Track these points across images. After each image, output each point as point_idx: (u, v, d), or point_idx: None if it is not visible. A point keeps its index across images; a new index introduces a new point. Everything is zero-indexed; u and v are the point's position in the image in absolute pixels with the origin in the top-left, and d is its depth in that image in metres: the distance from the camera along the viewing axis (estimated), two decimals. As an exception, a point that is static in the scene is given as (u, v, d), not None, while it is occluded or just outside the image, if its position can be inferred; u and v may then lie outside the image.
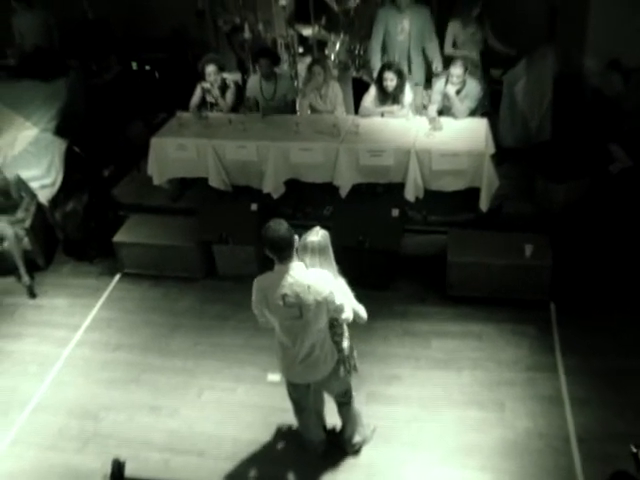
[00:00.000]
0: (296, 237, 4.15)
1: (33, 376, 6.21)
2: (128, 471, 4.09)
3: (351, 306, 4.42)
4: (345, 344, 4.63)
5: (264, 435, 5.35)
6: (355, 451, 5.13)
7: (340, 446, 5.13)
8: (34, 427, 5.69)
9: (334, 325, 4.48)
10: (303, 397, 4.73)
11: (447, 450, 5.06)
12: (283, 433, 5.34)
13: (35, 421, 5.75)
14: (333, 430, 5.25)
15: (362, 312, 4.56)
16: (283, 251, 4.07)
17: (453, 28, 7.84)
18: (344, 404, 4.94)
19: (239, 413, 5.59)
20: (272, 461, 5.10)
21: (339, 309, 4.26)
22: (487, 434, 5.16)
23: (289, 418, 5.18)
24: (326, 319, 4.31)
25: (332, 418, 5.17)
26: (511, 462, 4.92)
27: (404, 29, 7.83)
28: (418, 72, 8.10)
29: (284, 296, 4.10)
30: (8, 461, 5.39)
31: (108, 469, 4.07)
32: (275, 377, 5.80)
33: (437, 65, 7.88)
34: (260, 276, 4.28)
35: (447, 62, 7.56)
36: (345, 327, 4.60)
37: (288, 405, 5.03)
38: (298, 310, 4.12)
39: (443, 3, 8.30)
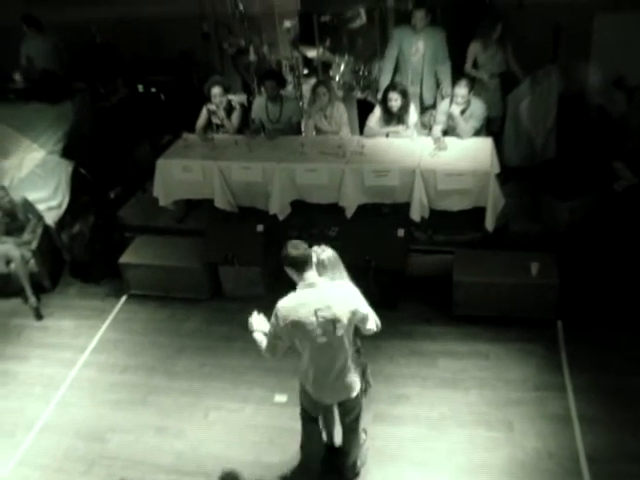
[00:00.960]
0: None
1: (39, 397, 6.21)
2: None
3: (374, 316, 4.41)
4: (362, 359, 4.67)
5: (271, 456, 5.33)
6: (355, 475, 5.09)
7: (340, 470, 5.07)
8: (40, 448, 5.68)
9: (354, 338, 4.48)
10: (315, 415, 4.75)
11: (455, 470, 5.03)
12: (290, 454, 5.30)
13: (41, 442, 5.74)
14: (334, 452, 5.19)
15: (378, 322, 4.50)
16: (305, 265, 4.12)
17: (474, 48, 7.84)
18: (353, 430, 4.86)
19: (246, 434, 5.57)
20: (279, 483, 5.08)
21: (366, 319, 4.29)
22: (496, 454, 5.12)
23: (296, 439, 5.16)
24: (352, 331, 4.32)
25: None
26: (520, 482, 4.89)
27: (418, 50, 7.86)
28: (429, 93, 8.12)
29: (317, 311, 4.08)
30: (15, 483, 5.38)
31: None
32: (282, 398, 5.81)
33: (446, 89, 7.86)
34: (282, 301, 4.21)
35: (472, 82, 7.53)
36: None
37: (295, 426, 5.03)
38: (331, 324, 4.11)
39: (461, 24, 8.32)
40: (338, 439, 5.12)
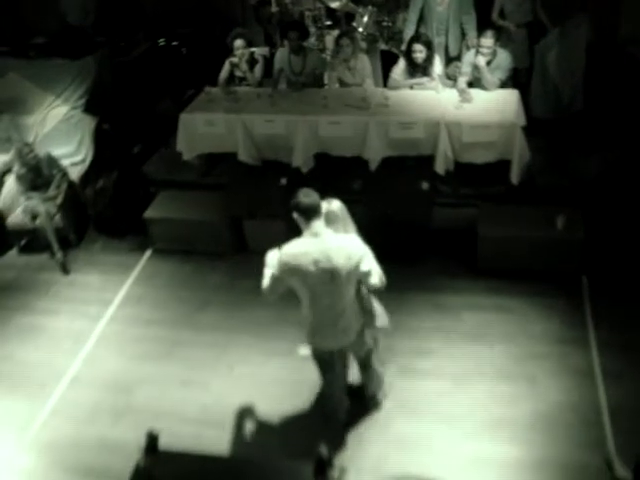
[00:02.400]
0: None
1: (68, 351, 6.31)
2: (161, 444, 4.14)
3: (378, 272, 4.42)
4: (374, 305, 4.76)
5: (295, 408, 5.38)
6: (376, 404, 5.23)
7: (362, 402, 5.21)
8: (70, 400, 5.79)
9: (360, 290, 4.53)
10: (329, 362, 4.76)
11: (478, 423, 5.06)
12: (314, 407, 5.37)
13: (71, 395, 5.85)
14: (356, 390, 5.26)
15: (383, 277, 4.50)
16: (315, 213, 4.16)
17: None
18: (366, 366, 4.98)
19: (270, 387, 5.62)
20: (302, 434, 5.11)
21: (368, 274, 4.30)
22: (518, 408, 5.14)
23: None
24: (355, 284, 4.37)
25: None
26: (542, 435, 4.90)
27: (444, 0, 7.72)
28: (454, 44, 7.98)
29: (316, 261, 4.13)
30: (47, 432, 5.51)
31: (142, 442, 4.12)
32: (306, 351, 5.83)
33: (472, 39, 7.72)
34: (286, 246, 4.26)
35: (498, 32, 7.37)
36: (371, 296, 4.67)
37: (318, 378, 5.08)
38: (329, 274, 4.16)
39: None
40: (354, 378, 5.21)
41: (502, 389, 5.31)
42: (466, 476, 4.64)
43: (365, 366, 5.00)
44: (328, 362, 4.75)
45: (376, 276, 4.36)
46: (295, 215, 4.22)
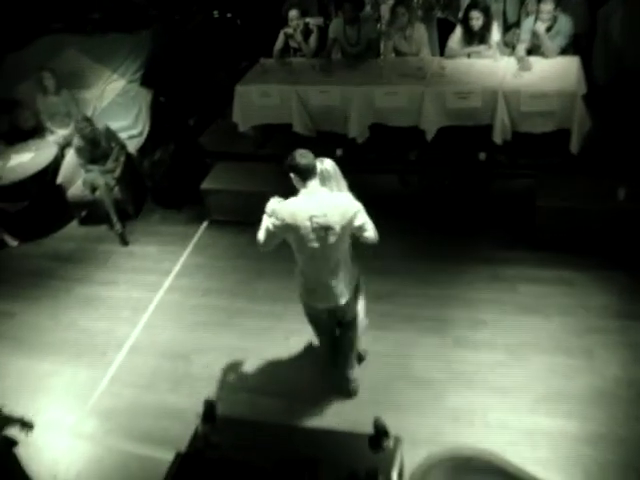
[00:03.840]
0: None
1: (127, 320, 6.46)
2: (218, 411, 4.22)
3: (372, 226, 4.49)
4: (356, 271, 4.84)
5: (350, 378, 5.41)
6: (352, 392, 5.24)
7: (341, 386, 5.26)
8: (130, 368, 5.94)
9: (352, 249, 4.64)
10: (324, 322, 4.97)
11: (533, 397, 5.00)
12: (370, 377, 5.37)
13: (130, 362, 5.99)
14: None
15: (376, 234, 4.55)
16: (310, 173, 4.32)
17: None
18: (345, 345, 5.08)
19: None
20: (356, 404, 5.16)
21: (362, 228, 4.41)
22: (575, 381, 5.06)
23: (375, 360, 5.35)
24: (349, 240, 4.51)
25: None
26: (599, 410, 4.82)
27: None
28: (513, 10, 7.81)
29: (312, 217, 4.27)
30: (107, 398, 5.67)
31: (200, 409, 4.20)
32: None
33: (531, 5, 7.50)
34: (283, 203, 4.40)
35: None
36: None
37: (376, 349, 5.20)
38: (324, 231, 4.30)
39: None
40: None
41: (559, 362, 5.24)
42: (520, 449, 4.59)
43: (342, 345, 5.09)
44: (320, 321, 4.97)
45: (371, 230, 4.46)
46: (292, 175, 4.36)
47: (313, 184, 4.35)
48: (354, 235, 4.48)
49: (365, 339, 5.37)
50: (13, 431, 4.41)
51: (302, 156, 4.32)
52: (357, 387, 5.26)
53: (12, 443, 4.36)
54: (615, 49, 7.23)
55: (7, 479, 4.32)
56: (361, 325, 5.05)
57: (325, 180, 4.48)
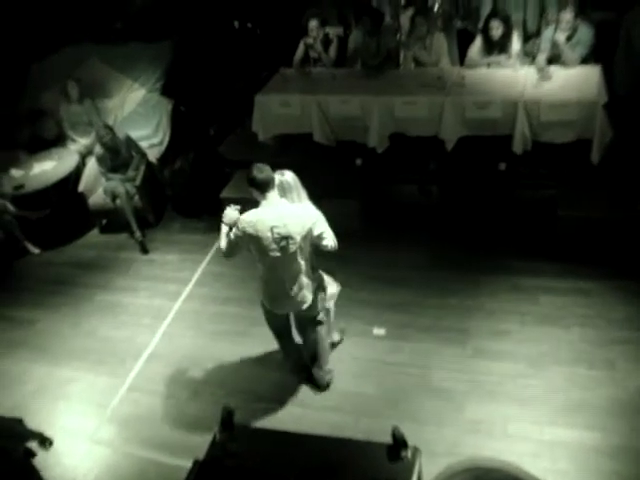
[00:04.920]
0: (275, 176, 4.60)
1: (147, 328, 6.50)
2: (237, 419, 4.22)
3: (331, 235, 4.71)
4: (323, 278, 5.15)
5: (368, 387, 5.41)
6: (323, 384, 5.42)
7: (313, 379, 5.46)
8: (148, 375, 5.96)
9: (312, 258, 4.86)
10: (282, 326, 5.25)
11: (554, 408, 4.96)
12: (386, 386, 5.38)
13: (149, 370, 6.02)
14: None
15: (335, 240, 4.76)
16: (268, 186, 4.51)
17: None
18: (309, 342, 5.30)
19: (344, 366, 5.64)
20: (375, 414, 5.14)
21: (321, 237, 4.63)
22: (596, 393, 5.02)
23: (395, 370, 5.34)
24: (309, 249, 4.72)
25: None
26: (621, 422, 4.77)
27: None
28: (533, 20, 7.77)
29: (272, 228, 4.47)
30: (126, 405, 5.69)
31: (218, 417, 4.21)
32: (380, 331, 5.86)
33: (551, 14, 7.49)
34: (245, 215, 4.60)
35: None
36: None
37: (394, 359, 5.18)
38: (285, 241, 4.50)
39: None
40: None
41: (579, 373, 5.20)
42: (541, 461, 4.56)
43: (307, 342, 5.34)
44: (279, 324, 5.22)
45: (330, 239, 4.68)
46: (251, 189, 4.55)
47: (272, 196, 4.55)
48: (314, 244, 4.70)
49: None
50: (33, 445, 4.45)
51: (259, 171, 4.50)
52: (331, 379, 5.46)
53: (31, 454, 4.40)
54: (637, 57, 7.18)
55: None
56: (329, 314, 5.36)
57: (286, 191, 4.71)
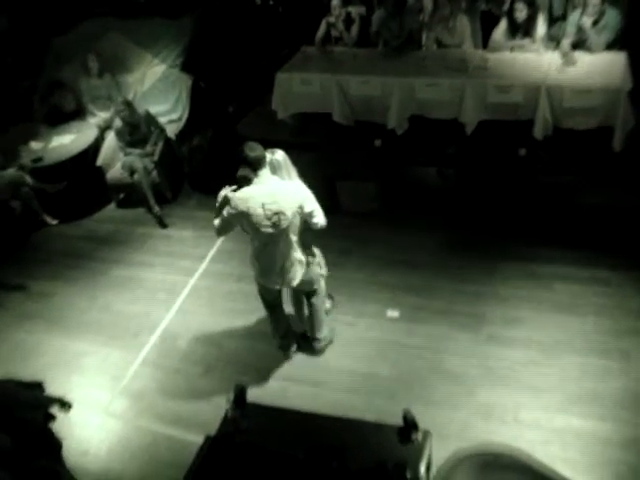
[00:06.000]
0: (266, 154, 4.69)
1: (162, 303, 6.52)
2: (248, 396, 4.24)
3: (321, 212, 4.85)
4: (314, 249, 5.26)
5: (381, 369, 5.41)
6: (319, 351, 5.57)
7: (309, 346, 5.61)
8: (162, 350, 6.00)
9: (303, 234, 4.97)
10: (275, 298, 5.37)
11: (566, 397, 4.94)
12: (401, 368, 5.38)
13: (163, 345, 6.06)
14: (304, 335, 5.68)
15: (324, 220, 4.92)
16: (260, 164, 4.61)
17: None
18: (310, 308, 5.43)
19: (358, 347, 5.65)
20: (387, 396, 5.14)
21: (313, 214, 4.78)
22: (609, 383, 4.98)
23: (408, 353, 5.34)
24: (299, 226, 4.83)
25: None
26: (633, 414, 4.73)
27: None
28: (559, 3, 7.65)
29: (264, 204, 4.58)
30: (139, 380, 5.74)
31: (230, 393, 4.23)
32: (394, 313, 5.85)
33: None
34: (237, 192, 4.70)
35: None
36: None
37: (408, 342, 5.21)
38: (276, 216, 4.61)
39: None
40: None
41: (593, 363, 5.17)
42: (551, 449, 4.55)
43: (309, 307, 5.44)
44: (272, 297, 5.33)
45: (320, 216, 4.85)
46: (243, 167, 4.66)
47: (264, 173, 4.65)
48: (305, 221, 4.82)
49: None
50: (52, 409, 4.50)
51: (251, 149, 4.59)
52: (325, 346, 5.62)
53: (51, 417, 4.46)
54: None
55: (43, 452, 4.40)
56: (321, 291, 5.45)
57: (276, 170, 4.79)
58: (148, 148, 7.81)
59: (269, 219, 4.62)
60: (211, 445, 4.06)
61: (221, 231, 4.95)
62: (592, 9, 6.67)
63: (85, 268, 7.21)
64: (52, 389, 4.79)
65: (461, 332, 5.60)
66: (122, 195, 8.20)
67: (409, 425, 3.89)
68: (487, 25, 7.92)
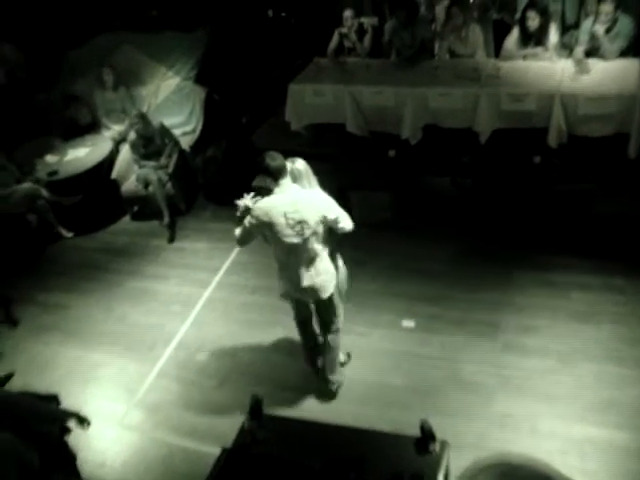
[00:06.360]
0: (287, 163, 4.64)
1: (177, 315, 6.54)
2: (265, 408, 4.23)
3: (346, 216, 4.75)
4: (339, 264, 5.14)
5: (396, 380, 5.39)
6: (333, 393, 5.34)
7: (321, 385, 5.39)
8: (177, 362, 6.01)
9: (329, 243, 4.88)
10: (306, 314, 5.24)
11: (583, 405, 4.91)
12: (415, 379, 5.36)
13: (178, 357, 6.07)
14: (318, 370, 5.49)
15: (351, 223, 4.80)
16: (281, 173, 4.56)
17: None
18: (329, 331, 5.21)
19: (372, 357, 5.64)
20: (402, 406, 5.13)
21: (338, 220, 4.67)
22: (626, 392, 4.95)
23: (422, 363, 5.35)
24: (324, 235, 4.74)
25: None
26: (651, 423, 4.72)
27: None
28: (572, 11, 7.65)
29: (286, 213, 4.52)
30: (154, 391, 5.75)
31: (246, 405, 4.22)
32: (409, 323, 5.84)
33: (591, 5, 7.34)
34: (259, 202, 4.65)
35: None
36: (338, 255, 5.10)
37: (423, 351, 5.21)
38: (300, 226, 4.55)
39: None
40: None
41: (610, 371, 5.13)
42: (569, 459, 4.52)
43: (326, 329, 5.23)
44: (304, 317, 5.25)
45: (345, 221, 4.73)
46: (264, 177, 4.62)
47: (285, 183, 4.58)
48: (331, 229, 4.73)
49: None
50: (69, 423, 4.51)
51: (272, 159, 4.54)
52: (337, 389, 5.38)
53: (66, 431, 4.47)
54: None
55: (59, 465, 4.42)
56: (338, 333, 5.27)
57: (296, 179, 4.73)
58: (162, 160, 7.85)
59: (292, 228, 4.56)
60: (228, 457, 4.05)
61: (242, 241, 4.88)
62: (605, 17, 6.65)
63: (100, 280, 7.24)
64: (68, 401, 4.82)
65: (477, 341, 5.58)
66: (137, 207, 8.23)
67: (426, 435, 3.87)
68: (499, 34, 7.92)
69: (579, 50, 6.94)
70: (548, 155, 6.83)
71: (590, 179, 6.54)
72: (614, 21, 6.71)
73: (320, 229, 4.67)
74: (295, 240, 4.60)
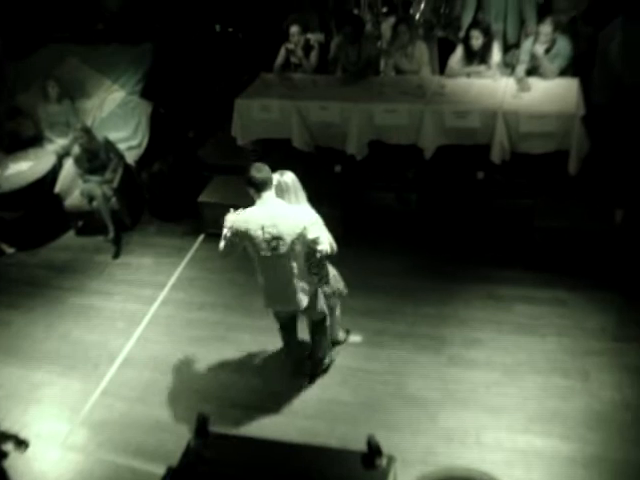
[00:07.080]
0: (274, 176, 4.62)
1: (121, 332, 6.43)
2: (211, 426, 4.19)
3: (329, 239, 4.67)
4: (329, 273, 5.16)
5: (344, 395, 5.40)
6: (320, 371, 5.52)
7: (309, 370, 5.55)
8: (122, 380, 5.91)
9: (311, 258, 4.81)
10: (286, 321, 5.34)
11: (528, 417, 4.98)
12: (362, 395, 5.37)
13: (123, 375, 5.96)
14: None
15: (333, 245, 4.75)
16: (265, 186, 4.53)
17: None
18: (318, 331, 5.32)
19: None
20: (350, 422, 5.13)
21: (316, 241, 4.54)
22: (571, 403, 5.04)
23: (369, 378, 5.37)
24: (303, 252, 4.69)
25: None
26: (595, 433, 4.79)
27: None
28: (513, 31, 7.81)
29: (263, 227, 4.49)
30: (99, 411, 5.63)
31: (193, 423, 4.17)
32: (356, 338, 5.85)
33: (531, 26, 7.54)
34: (238, 214, 4.60)
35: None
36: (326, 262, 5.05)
37: (370, 366, 5.22)
38: (276, 242, 4.51)
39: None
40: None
41: (554, 383, 5.23)
42: (514, 470, 4.58)
43: (315, 331, 5.35)
44: (283, 319, 5.31)
45: (325, 243, 4.58)
46: (248, 188, 4.58)
47: (267, 195, 4.55)
48: (310, 248, 4.64)
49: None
50: (6, 446, 4.38)
51: (257, 170, 4.52)
52: (326, 367, 5.56)
53: (3, 455, 4.34)
54: (614, 71, 7.25)
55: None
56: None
57: (283, 192, 4.70)
58: (107, 175, 7.74)
59: (268, 242, 4.53)
60: (173, 476, 3.98)
61: (224, 253, 4.78)
62: (544, 37, 6.83)
63: (42, 296, 7.09)
64: (8, 422, 4.69)
65: (422, 355, 5.63)
66: (81, 223, 8.09)
67: (373, 451, 3.87)
68: (444, 52, 8.04)
69: (520, 69, 7.10)
70: (491, 171, 6.95)
71: (532, 194, 6.67)
72: (553, 42, 6.89)
73: (298, 247, 4.61)
74: (270, 254, 4.58)
